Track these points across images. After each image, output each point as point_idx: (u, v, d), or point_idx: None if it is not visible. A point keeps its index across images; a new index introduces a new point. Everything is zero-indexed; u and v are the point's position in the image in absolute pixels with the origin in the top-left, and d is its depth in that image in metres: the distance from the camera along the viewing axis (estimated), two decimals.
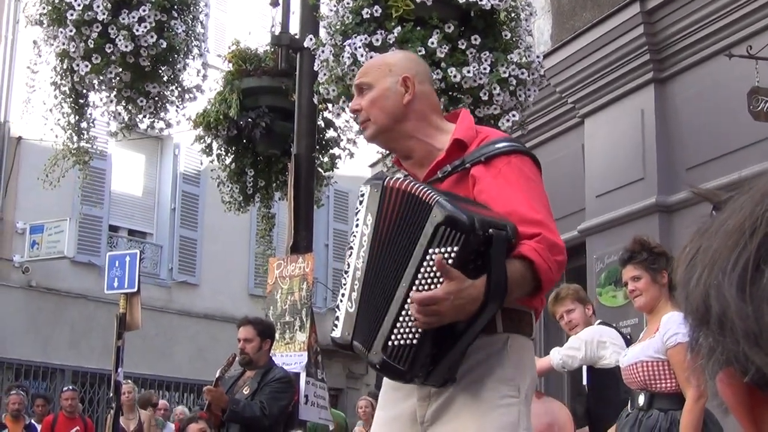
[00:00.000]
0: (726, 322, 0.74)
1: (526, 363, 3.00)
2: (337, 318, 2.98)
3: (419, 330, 2.74)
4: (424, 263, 2.72)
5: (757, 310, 0.72)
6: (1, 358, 15.57)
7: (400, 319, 2.77)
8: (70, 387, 13.08)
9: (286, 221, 8.21)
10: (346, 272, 2.97)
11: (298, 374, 7.41)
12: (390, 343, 2.78)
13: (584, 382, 7.02)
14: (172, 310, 17.78)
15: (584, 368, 6.84)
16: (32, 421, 12.55)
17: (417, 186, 2.85)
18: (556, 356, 6.13)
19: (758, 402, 0.76)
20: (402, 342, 2.77)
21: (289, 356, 7.59)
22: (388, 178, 2.94)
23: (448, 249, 2.68)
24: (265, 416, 6.59)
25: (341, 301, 2.98)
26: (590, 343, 6.13)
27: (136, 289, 9.38)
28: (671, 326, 4.69)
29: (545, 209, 2.92)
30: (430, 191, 2.79)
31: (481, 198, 2.88)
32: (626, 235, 7.46)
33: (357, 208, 3.00)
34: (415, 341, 2.75)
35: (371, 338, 2.85)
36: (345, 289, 2.97)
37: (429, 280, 2.72)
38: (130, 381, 12.13)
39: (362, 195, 2.99)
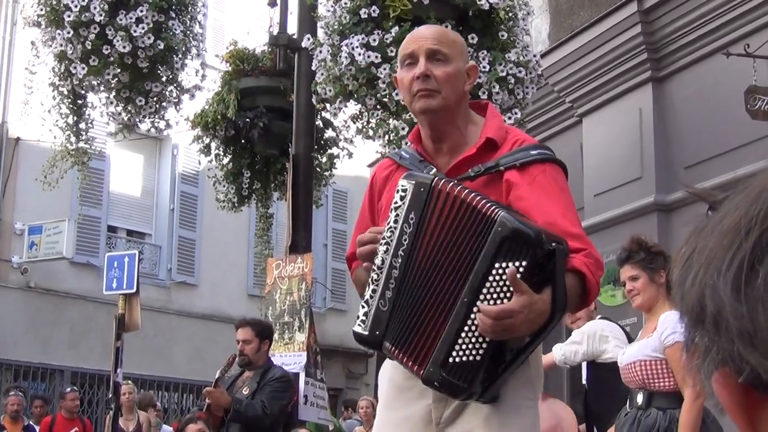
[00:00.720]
0: (721, 321, 0.75)
1: (540, 366, 3.02)
2: (366, 314, 2.86)
3: (483, 346, 2.67)
4: (490, 277, 2.66)
5: (751, 310, 0.72)
6: (0, 359, 15.57)
7: (463, 335, 2.69)
8: (73, 388, 13.08)
9: (285, 221, 8.21)
10: (380, 268, 2.84)
11: (297, 374, 7.41)
12: (451, 359, 2.70)
13: (584, 380, 7.02)
14: (171, 311, 17.77)
15: (584, 366, 6.84)
16: (31, 422, 12.53)
17: (473, 194, 2.77)
18: (558, 352, 6.14)
19: (753, 402, 0.76)
20: (465, 359, 2.69)
21: (288, 356, 7.59)
22: (435, 178, 2.84)
23: (516, 263, 2.62)
24: (266, 415, 6.60)
25: (371, 296, 2.85)
26: (592, 337, 6.14)
27: (135, 290, 9.38)
28: (669, 325, 4.69)
29: (579, 221, 2.93)
30: (488, 202, 2.74)
31: (520, 205, 2.83)
32: (624, 234, 7.46)
33: (397, 203, 2.85)
34: (478, 357, 2.68)
35: (422, 352, 2.76)
36: (377, 285, 2.84)
37: (495, 295, 2.65)
38: (129, 382, 12.12)
39: (404, 191, 2.86)
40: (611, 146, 9.09)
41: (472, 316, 2.67)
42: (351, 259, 3.19)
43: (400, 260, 2.82)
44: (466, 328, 2.68)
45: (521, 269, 2.60)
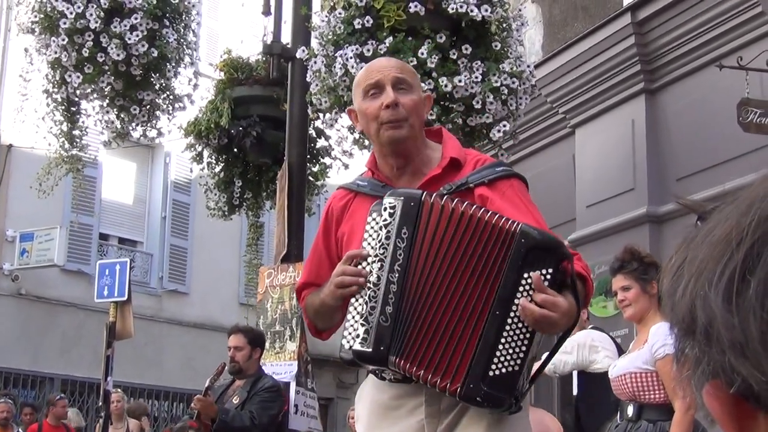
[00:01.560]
0: (712, 332, 0.75)
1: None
2: (366, 331, 2.82)
3: (521, 356, 2.72)
4: (520, 287, 2.72)
5: (743, 320, 0.72)
6: None
7: (500, 347, 2.73)
8: (62, 396, 13.06)
9: (276, 230, 8.20)
10: (376, 285, 2.83)
11: (288, 384, 7.39)
12: (491, 373, 2.72)
13: (575, 391, 7.01)
14: (162, 319, 17.73)
15: (575, 376, 6.83)
16: (20, 430, 12.50)
17: (474, 207, 2.83)
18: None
19: (745, 414, 0.76)
20: (504, 370, 2.72)
21: (279, 365, 7.58)
22: (424, 193, 2.88)
23: (543, 271, 2.70)
24: (254, 426, 6.58)
25: (370, 313, 2.83)
26: (582, 347, 6.13)
27: (125, 298, 9.37)
28: (660, 337, 4.69)
29: (549, 231, 3.00)
30: (494, 213, 2.81)
31: None
32: (617, 245, 7.46)
33: (387, 220, 2.86)
34: (516, 368, 2.72)
35: (453, 368, 2.76)
36: (376, 302, 2.83)
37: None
38: (118, 390, 12.09)
39: (393, 207, 2.87)
40: (604, 157, 9.10)
41: (507, 328, 2.72)
42: (301, 290, 3.21)
43: (397, 275, 2.83)
44: (502, 340, 2.73)
45: (548, 276, 2.70)
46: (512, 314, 2.71)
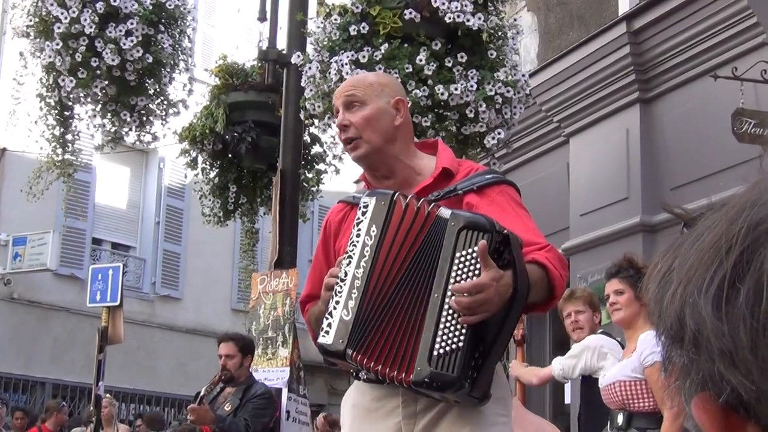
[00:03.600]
0: (701, 340, 0.74)
1: (506, 382, 3.06)
2: (329, 325, 2.89)
3: (463, 332, 2.72)
4: (454, 267, 2.74)
5: (732, 328, 0.72)
6: None
7: (441, 326, 2.74)
8: (63, 403, 13.06)
9: (270, 236, 8.19)
10: (343, 280, 2.90)
11: (280, 390, 7.38)
12: (435, 353, 2.73)
13: (567, 400, 7.00)
14: (155, 324, 17.71)
15: (568, 386, 6.82)
16: None
17: (426, 203, 2.89)
18: (557, 365, 6.12)
19: (734, 425, 0.75)
20: (448, 348, 2.72)
21: (272, 372, 7.56)
22: (397, 193, 2.93)
23: (475, 248, 2.71)
24: None
25: (334, 308, 2.89)
26: (591, 351, 6.11)
27: (118, 303, 9.35)
28: (648, 345, 4.70)
29: (541, 234, 3.02)
30: (438, 206, 2.87)
31: None
32: (610, 254, 7.47)
33: (359, 218, 2.94)
34: (461, 344, 2.72)
35: (406, 358, 2.78)
36: (340, 297, 2.89)
37: (462, 281, 2.74)
38: (108, 395, 12.06)
39: (366, 206, 2.95)
40: (598, 166, 9.11)
41: (446, 306, 2.73)
42: (305, 303, 3.26)
43: (361, 271, 2.88)
44: (443, 320, 2.74)
45: (475, 254, 2.71)
46: (449, 293, 2.74)
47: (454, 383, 2.72)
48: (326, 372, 18.11)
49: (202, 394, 6.63)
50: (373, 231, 2.91)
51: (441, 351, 2.72)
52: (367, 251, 2.89)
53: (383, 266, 2.87)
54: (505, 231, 2.75)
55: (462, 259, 2.73)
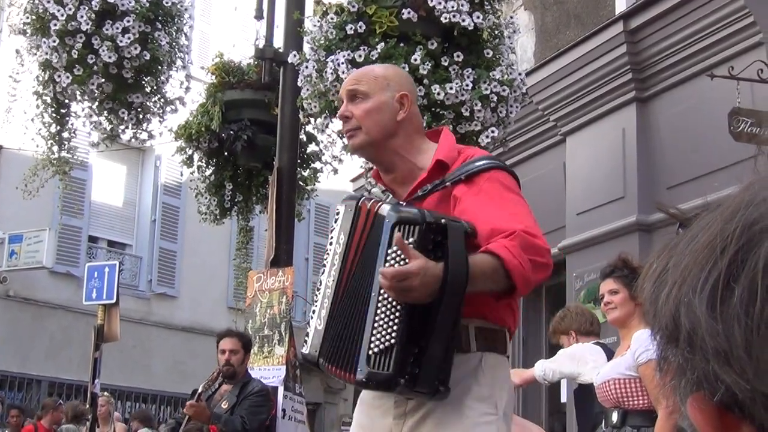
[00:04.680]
0: (696, 339, 0.74)
1: (502, 380, 2.99)
2: (308, 334, 3.00)
3: (395, 328, 2.73)
4: (386, 264, 2.74)
5: (727, 328, 0.72)
6: None
7: (375, 325, 2.76)
8: (60, 401, 13.05)
9: (266, 234, 8.19)
10: (318, 290, 3.01)
11: (276, 388, 7.38)
12: (370, 352, 2.75)
13: (563, 399, 7.00)
14: (151, 322, 17.70)
15: (563, 384, 6.83)
16: (6, 431, 12.46)
17: (380, 204, 2.91)
18: (539, 368, 6.14)
19: (730, 425, 0.75)
20: (381, 346, 2.74)
21: (268, 370, 7.56)
22: (363, 198, 2.97)
23: (408, 241, 2.71)
24: (246, 431, 6.59)
25: (311, 317, 3.00)
26: (570, 358, 6.12)
27: (114, 301, 9.35)
28: (642, 343, 4.71)
29: (528, 217, 2.91)
30: (382, 205, 2.88)
31: (464, 218, 2.87)
32: (606, 253, 7.48)
33: (332, 226, 3.03)
34: (393, 340, 2.73)
35: (351, 359, 2.83)
36: (316, 306, 2.99)
37: None
38: (105, 393, 12.06)
39: (338, 214, 3.04)
40: (594, 165, 9.12)
41: (379, 305, 2.76)
42: None
43: (331, 279, 2.96)
44: (377, 318, 2.77)
45: (412, 244, 2.71)
46: (381, 291, 2.75)
47: (389, 380, 2.75)
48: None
49: (199, 391, 6.64)
50: (342, 238, 2.98)
51: (376, 350, 2.75)
52: (336, 259, 2.98)
53: (348, 273, 2.94)
54: (443, 221, 2.74)
55: (393, 254, 2.74)
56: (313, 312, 2.99)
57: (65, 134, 8.88)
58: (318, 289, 3.01)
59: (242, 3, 14.38)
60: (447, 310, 2.73)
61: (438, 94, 6.84)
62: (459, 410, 2.85)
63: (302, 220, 9.61)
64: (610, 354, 5.96)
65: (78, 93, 8.40)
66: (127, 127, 8.84)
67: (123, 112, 8.56)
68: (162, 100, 8.83)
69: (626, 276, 5.04)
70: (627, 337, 5.01)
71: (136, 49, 8.12)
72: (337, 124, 7.35)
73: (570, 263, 9.16)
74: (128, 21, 8.08)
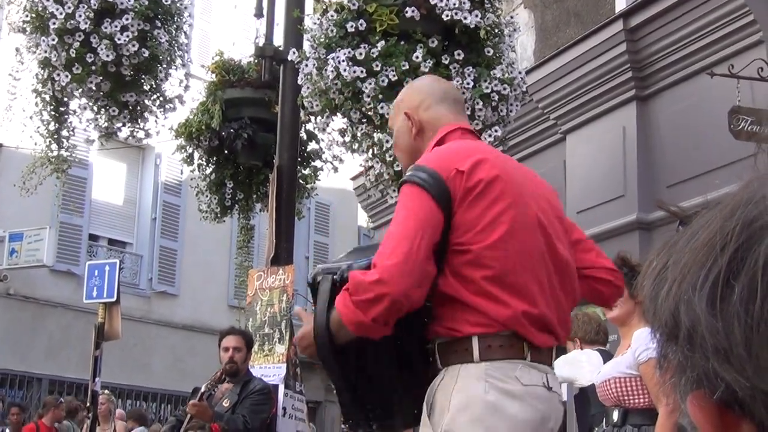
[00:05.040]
0: (696, 337, 0.74)
1: (460, 388, 2.82)
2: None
3: (335, 387, 3.01)
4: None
5: (727, 326, 0.72)
6: None
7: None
8: (61, 399, 13.05)
9: (266, 233, 8.19)
10: None
11: (276, 386, 7.38)
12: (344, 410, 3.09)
13: (563, 398, 6.98)
14: (151, 321, 17.71)
15: (564, 387, 6.82)
16: (7, 429, 12.46)
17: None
18: None
19: (729, 423, 0.75)
20: (342, 403, 3.04)
21: (268, 368, 7.56)
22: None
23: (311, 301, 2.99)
24: (248, 430, 6.60)
25: None
26: (568, 363, 6.11)
27: (115, 299, 9.35)
28: (642, 342, 4.71)
29: (389, 240, 2.78)
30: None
31: None
32: (606, 251, 7.44)
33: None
34: (340, 398, 3.03)
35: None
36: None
37: None
38: (106, 391, 12.06)
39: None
40: (594, 164, 9.11)
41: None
42: None
43: None
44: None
45: (308, 306, 3.05)
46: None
47: (354, 420, 3.07)
48: (323, 369, 18.10)
49: (202, 390, 6.64)
50: None
51: (343, 407, 3.07)
52: None
53: None
54: (317, 279, 2.96)
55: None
56: None
57: (64, 132, 8.87)
58: None
59: (242, 1, 14.36)
60: (325, 364, 2.94)
61: None
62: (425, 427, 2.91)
63: (302, 219, 9.61)
64: (608, 359, 5.97)
65: (77, 92, 8.40)
66: (124, 125, 8.84)
67: (114, 110, 8.54)
68: (161, 98, 8.83)
69: (625, 275, 5.03)
70: (627, 335, 5.01)
71: (134, 47, 8.11)
72: (336, 123, 7.35)
73: None
74: (127, 19, 8.07)
